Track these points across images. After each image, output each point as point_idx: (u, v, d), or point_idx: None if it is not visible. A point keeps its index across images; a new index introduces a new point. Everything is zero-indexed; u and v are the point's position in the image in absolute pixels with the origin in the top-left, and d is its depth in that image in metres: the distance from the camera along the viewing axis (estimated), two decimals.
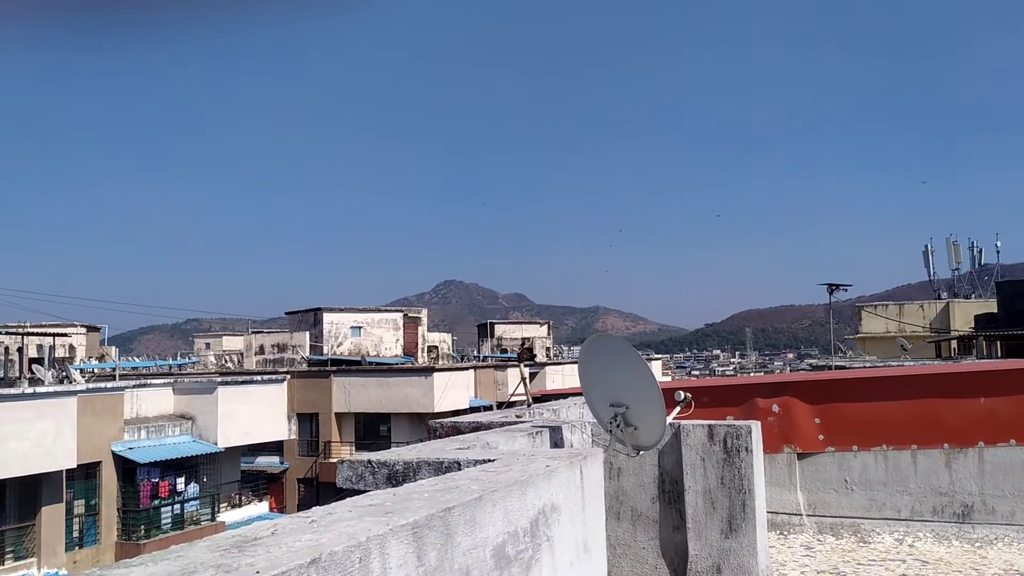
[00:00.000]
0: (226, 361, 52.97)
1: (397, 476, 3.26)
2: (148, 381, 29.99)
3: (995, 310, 31.11)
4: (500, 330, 63.14)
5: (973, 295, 42.62)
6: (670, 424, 5.05)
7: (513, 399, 6.57)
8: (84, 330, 42.92)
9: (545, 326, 66.02)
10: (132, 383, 28.45)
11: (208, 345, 68.98)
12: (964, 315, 36.96)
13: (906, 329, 36.95)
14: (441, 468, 3.20)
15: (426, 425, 5.80)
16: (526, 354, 8.45)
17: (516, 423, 5.12)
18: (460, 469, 3.14)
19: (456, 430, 5.38)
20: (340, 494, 3.63)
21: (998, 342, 27.45)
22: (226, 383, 29.95)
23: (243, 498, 31.81)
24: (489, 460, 3.09)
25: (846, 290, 27.99)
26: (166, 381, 30.40)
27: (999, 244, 46.29)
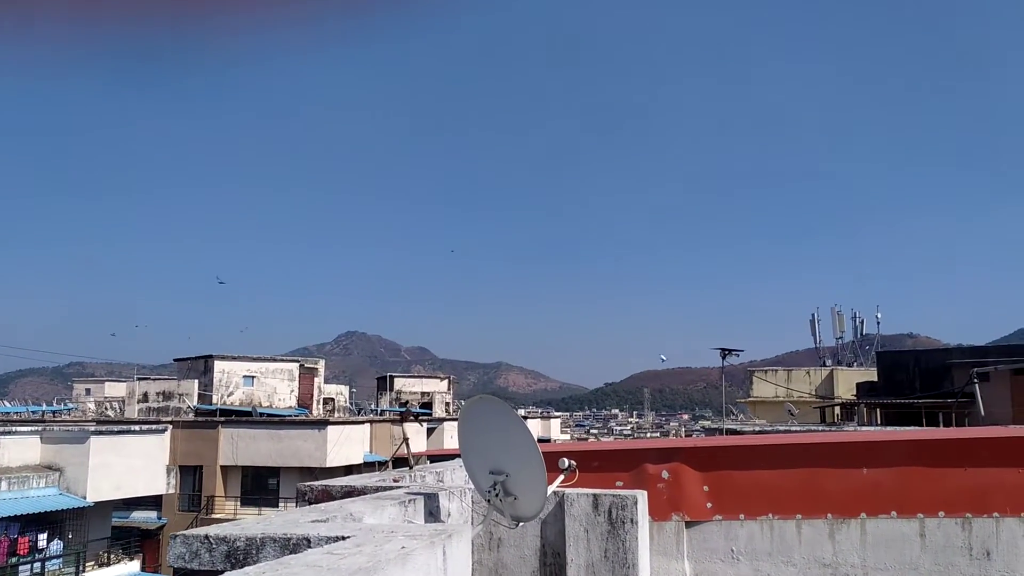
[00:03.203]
0: (106, 408, 50.20)
1: (237, 554, 2.89)
2: (13, 428, 27.83)
3: (875, 378, 32.49)
4: (400, 383, 62.09)
5: (855, 363, 44.58)
6: (554, 492, 4.81)
7: (409, 455, 6.19)
8: None
9: (446, 381, 65.30)
10: None
11: (88, 391, 65.41)
12: (847, 382, 38.51)
13: (793, 394, 38.18)
14: (288, 545, 2.85)
15: (296, 488, 5.37)
16: (408, 413, 8.00)
17: (391, 488, 4.77)
18: (310, 547, 2.80)
19: (327, 494, 4.99)
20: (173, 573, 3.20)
21: (878, 410, 28.57)
22: (100, 432, 28.05)
23: (112, 556, 29.65)
24: (342, 538, 2.76)
25: (738, 355, 28.68)
26: (33, 429, 28.25)
27: (879, 316, 48.87)
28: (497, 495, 4.08)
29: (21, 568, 25.19)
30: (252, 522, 3.22)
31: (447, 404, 58.15)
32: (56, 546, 26.42)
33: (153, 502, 35.78)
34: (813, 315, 47.92)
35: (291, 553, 2.75)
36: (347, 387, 62.98)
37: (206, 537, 2.93)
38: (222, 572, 2.82)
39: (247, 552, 2.87)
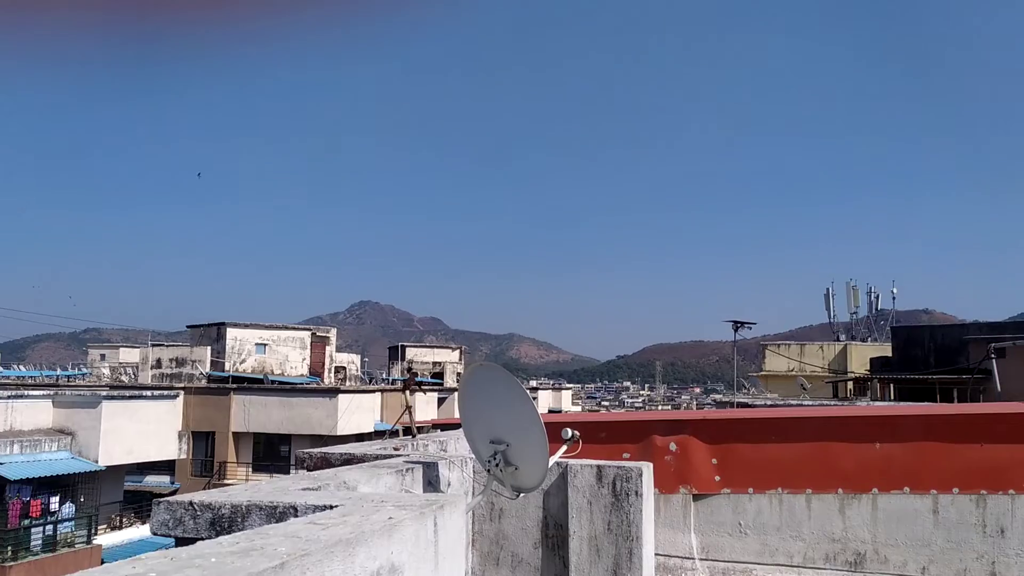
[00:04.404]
0: (120, 374, 50.61)
1: (223, 521, 2.78)
2: (26, 392, 28.05)
3: (890, 354, 32.20)
4: (411, 353, 62.29)
5: (869, 339, 44.22)
6: (557, 463, 4.69)
7: (412, 423, 6.08)
8: None
9: (457, 351, 65.43)
10: (7, 394, 26.54)
11: (103, 356, 65.90)
12: (860, 357, 38.23)
13: (806, 368, 37.95)
14: (275, 514, 2.73)
15: (295, 456, 5.29)
16: (411, 380, 7.88)
17: (390, 457, 4.67)
18: (296, 515, 2.68)
19: (326, 462, 4.90)
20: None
21: (891, 385, 28.33)
22: (111, 397, 28.25)
23: (124, 520, 30.00)
24: (330, 507, 2.64)
25: (750, 328, 28.45)
26: (46, 393, 28.48)
27: (895, 291, 48.39)
28: (497, 465, 3.96)
29: (34, 530, 25.49)
30: (240, 489, 3.12)
31: (458, 374, 58.27)
32: (68, 509, 26.71)
33: (166, 467, 36.12)
34: (828, 290, 47.51)
35: (276, 522, 2.63)
36: (359, 356, 63.19)
37: (190, 504, 2.82)
38: (205, 540, 2.72)
39: (232, 520, 2.76)
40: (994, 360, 17.92)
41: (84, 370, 53.72)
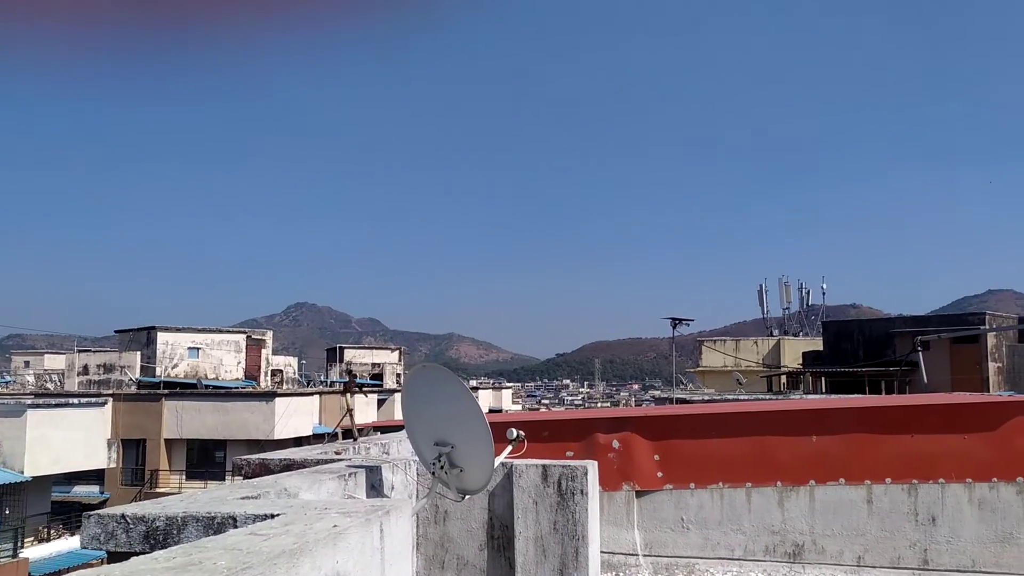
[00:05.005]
0: (46, 381, 48.84)
1: (157, 534, 2.66)
2: None
3: (821, 348, 33.10)
4: (350, 354, 61.56)
5: (801, 333, 45.40)
6: (502, 464, 4.66)
7: (353, 427, 5.97)
8: None
9: (397, 352, 64.92)
10: None
11: (28, 363, 63.60)
12: (793, 352, 39.18)
13: (741, 364, 38.73)
14: (213, 525, 2.63)
15: (232, 462, 5.14)
16: (352, 383, 7.76)
17: (332, 461, 4.57)
18: (236, 526, 2.59)
19: (265, 468, 4.77)
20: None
21: (823, 378, 29.12)
22: (37, 405, 27.21)
23: (52, 532, 28.93)
24: (271, 516, 2.55)
25: (688, 324, 28.89)
26: None
27: (824, 287, 49.84)
28: (442, 467, 3.90)
29: None
30: (175, 499, 3.00)
31: (398, 375, 57.83)
32: None
33: (95, 476, 34.98)
34: (761, 286, 48.63)
35: (215, 533, 2.53)
36: (296, 359, 62.27)
37: (123, 516, 2.70)
38: (139, 554, 2.60)
39: (167, 532, 2.65)
40: (920, 353, 18.55)
41: (8, 378, 51.81)
